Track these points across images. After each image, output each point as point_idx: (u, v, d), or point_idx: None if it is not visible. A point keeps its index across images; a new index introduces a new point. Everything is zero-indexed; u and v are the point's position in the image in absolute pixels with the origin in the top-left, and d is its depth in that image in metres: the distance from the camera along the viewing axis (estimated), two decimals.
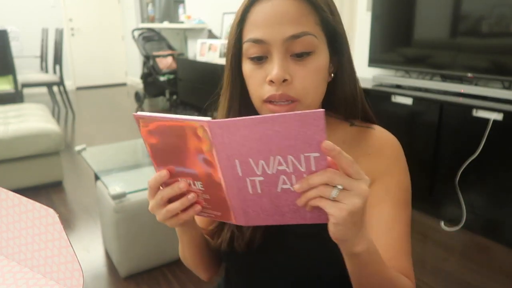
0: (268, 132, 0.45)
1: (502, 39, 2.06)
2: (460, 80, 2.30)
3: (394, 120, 2.39)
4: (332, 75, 0.64)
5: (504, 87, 2.11)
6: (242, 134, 0.46)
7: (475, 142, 2.00)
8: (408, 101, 2.31)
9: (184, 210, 0.54)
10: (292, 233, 0.64)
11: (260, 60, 0.60)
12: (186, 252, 0.72)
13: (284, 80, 0.57)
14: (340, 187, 0.45)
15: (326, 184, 0.45)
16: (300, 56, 0.58)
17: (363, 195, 0.45)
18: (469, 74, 2.19)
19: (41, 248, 0.48)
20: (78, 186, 2.84)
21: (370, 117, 0.69)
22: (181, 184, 0.53)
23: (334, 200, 0.45)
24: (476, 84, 2.21)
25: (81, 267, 0.50)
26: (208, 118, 0.46)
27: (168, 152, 0.52)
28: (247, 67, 0.62)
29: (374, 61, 2.73)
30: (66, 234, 0.48)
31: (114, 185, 1.73)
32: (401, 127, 2.36)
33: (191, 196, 0.53)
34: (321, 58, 0.60)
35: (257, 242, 0.66)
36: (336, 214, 0.45)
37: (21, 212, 0.49)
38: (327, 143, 0.44)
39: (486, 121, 1.95)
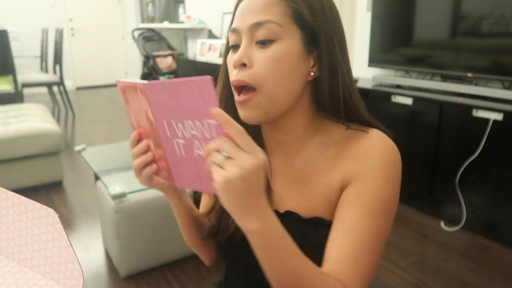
0: (176, 96, 0.50)
1: (502, 39, 2.06)
2: (460, 80, 2.30)
3: (394, 120, 2.39)
4: (312, 73, 0.63)
5: (504, 87, 2.11)
6: (161, 97, 0.52)
7: (475, 142, 2.00)
8: (408, 101, 2.31)
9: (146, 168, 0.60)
10: (296, 218, 0.65)
11: (236, 48, 0.63)
12: (180, 226, 0.74)
13: (244, 65, 0.59)
14: (225, 154, 0.47)
15: (218, 151, 0.48)
16: (263, 44, 0.59)
17: (244, 167, 0.46)
18: (469, 74, 2.19)
19: (41, 248, 0.48)
20: (78, 186, 2.84)
21: (367, 121, 0.66)
22: (142, 144, 0.59)
23: (220, 167, 0.47)
24: (476, 84, 2.21)
25: (81, 267, 0.50)
26: (145, 81, 0.53)
27: (136, 114, 0.59)
28: (228, 56, 0.66)
29: (374, 61, 2.72)
30: (66, 234, 0.48)
31: (114, 185, 1.73)
32: (401, 127, 2.36)
33: (148, 154, 0.59)
34: (286, 48, 0.59)
35: (238, 236, 0.64)
36: (217, 179, 0.47)
37: (21, 212, 0.49)
38: (215, 110, 0.47)
39: (486, 121, 1.95)
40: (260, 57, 0.59)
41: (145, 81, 0.52)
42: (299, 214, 0.65)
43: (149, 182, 0.61)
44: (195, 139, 0.51)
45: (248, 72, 0.59)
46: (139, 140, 0.60)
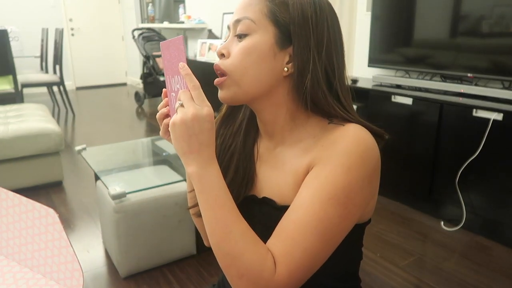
0: (168, 54, 0.61)
1: (502, 39, 2.06)
2: (460, 80, 2.30)
3: (394, 120, 2.39)
4: (286, 69, 0.66)
5: (504, 87, 2.11)
6: (165, 54, 0.62)
7: (475, 142, 2.00)
8: (408, 101, 2.31)
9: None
10: (272, 205, 0.69)
11: None
12: (188, 193, 0.79)
13: (222, 55, 0.68)
14: (180, 102, 0.58)
15: (179, 100, 0.59)
16: (240, 37, 0.66)
17: (187, 114, 0.56)
18: (469, 74, 2.19)
19: (41, 248, 0.48)
20: (78, 186, 2.83)
21: (349, 119, 0.66)
22: (165, 99, 0.66)
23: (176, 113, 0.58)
24: (476, 84, 2.21)
25: (81, 267, 0.50)
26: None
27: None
28: None
29: (374, 61, 2.72)
30: (66, 234, 0.48)
31: (114, 185, 1.73)
32: (401, 127, 2.36)
33: (166, 108, 0.66)
34: (256, 41, 0.65)
35: None
36: (169, 122, 0.59)
37: (21, 212, 0.49)
38: (181, 64, 0.59)
39: (486, 121, 1.95)
40: (234, 48, 0.66)
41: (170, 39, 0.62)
42: (275, 201, 0.69)
43: (166, 134, 0.67)
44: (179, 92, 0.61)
45: (224, 61, 0.67)
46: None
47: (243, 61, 0.65)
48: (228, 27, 0.70)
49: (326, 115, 0.67)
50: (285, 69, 0.66)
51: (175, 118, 0.57)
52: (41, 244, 0.47)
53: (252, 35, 0.65)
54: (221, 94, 0.68)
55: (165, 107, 0.66)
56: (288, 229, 0.59)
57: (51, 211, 0.48)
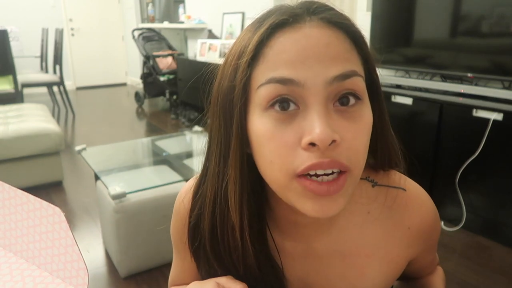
0: None
1: (502, 39, 2.07)
2: (460, 80, 2.30)
3: (394, 120, 2.38)
4: None
5: (504, 87, 2.11)
6: None
7: (475, 142, 2.00)
8: (408, 101, 2.31)
9: None
10: None
11: (285, 109, 0.41)
12: None
13: (332, 142, 0.39)
14: None
15: None
16: (346, 105, 0.41)
17: None
18: (469, 74, 2.20)
19: (48, 246, 0.48)
20: (78, 186, 2.84)
21: (393, 163, 0.56)
22: None
23: None
24: (476, 84, 2.22)
25: (86, 266, 0.50)
26: None
27: None
28: (263, 123, 0.42)
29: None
30: (72, 233, 0.48)
31: (114, 185, 1.73)
32: (401, 127, 2.37)
33: None
34: (369, 111, 0.44)
35: None
36: None
37: (29, 210, 0.49)
38: None
39: (486, 121, 1.96)
40: (349, 128, 0.41)
41: None
42: None
43: None
44: None
45: (339, 151, 0.40)
46: None
47: (365, 146, 0.43)
48: (289, 83, 0.40)
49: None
50: None
51: None
52: (48, 242, 0.48)
53: (364, 101, 0.43)
54: (332, 205, 0.41)
55: None
56: (431, 263, 0.72)
57: (57, 209, 0.48)
